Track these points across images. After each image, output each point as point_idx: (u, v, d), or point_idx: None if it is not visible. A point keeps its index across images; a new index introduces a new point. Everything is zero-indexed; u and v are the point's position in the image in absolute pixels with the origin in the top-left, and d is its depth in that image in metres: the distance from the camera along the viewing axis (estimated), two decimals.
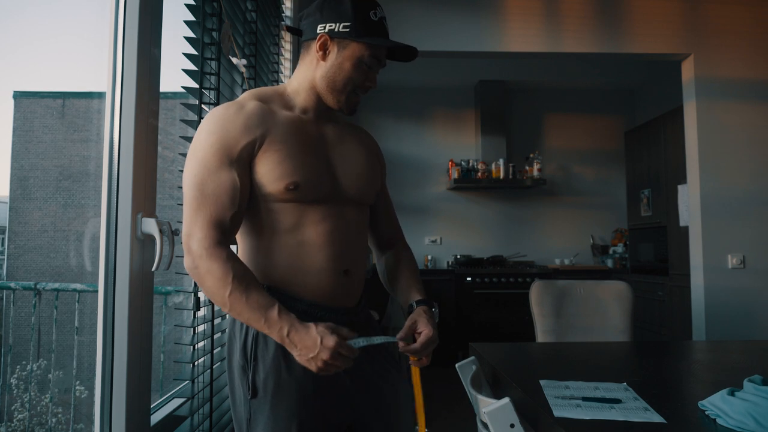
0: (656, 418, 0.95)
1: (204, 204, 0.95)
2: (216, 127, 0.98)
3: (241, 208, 1.00)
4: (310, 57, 1.08)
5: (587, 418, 0.96)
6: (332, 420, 1.02)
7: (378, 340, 1.01)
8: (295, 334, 0.92)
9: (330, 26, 1.04)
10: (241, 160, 0.99)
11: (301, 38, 1.11)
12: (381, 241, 1.28)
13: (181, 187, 1.21)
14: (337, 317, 1.04)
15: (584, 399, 1.06)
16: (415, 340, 1.04)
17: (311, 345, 0.91)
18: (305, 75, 1.09)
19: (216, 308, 1.38)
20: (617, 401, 1.04)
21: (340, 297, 1.07)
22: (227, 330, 1.09)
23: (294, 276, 1.03)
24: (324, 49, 1.05)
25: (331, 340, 0.91)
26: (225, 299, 0.93)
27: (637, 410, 0.99)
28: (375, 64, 1.07)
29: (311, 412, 0.98)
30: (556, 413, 0.98)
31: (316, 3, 1.08)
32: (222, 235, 0.96)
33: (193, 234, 0.94)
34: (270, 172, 1.00)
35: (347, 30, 1.03)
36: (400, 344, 1.03)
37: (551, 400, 1.07)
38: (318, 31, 1.05)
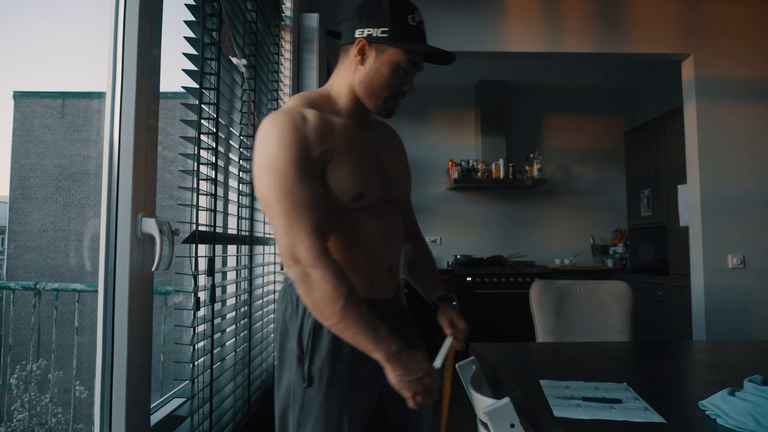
0: (656, 418, 0.95)
1: (300, 214, 0.97)
2: (291, 137, 0.99)
3: (327, 215, 1.03)
4: (349, 61, 1.11)
5: (587, 418, 0.96)
6: (369, 405, 1.10)
7: (443, 351, 1.13)
8: (402, 354, 0.98)
9: (368, 31, 1.07)
10: (316, 171, 1.02)
11: (339, 41, 1.13)
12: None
13: (181, 187, 1.21)
14: (380, 308, 1.10)
15: (584, 399, 1.06)
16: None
17: (416, 368, 0.97)
18: (345, 79, 1.12)
19: (216, 308, 1.38)
20: (617, 401, 1.04)
21: (384, 290, 1.14)
22: (279, 321, 1.13)
23: (347, 274, 1.06)
24: (362, 54, 1.08)
25: (433, 368, 1.00)
26: (336, 310, 0.95)
27: (637, 410, 0.99)
28: (412, 69, 1.10)
29: (358, 398, 1.06)
30: (556, 413, 0.98)
31: (355, 7, 1.10)
32: (325, 243, 0.99)
33: (298, 243, 0.96)
34: (339, 185, 1.04)
35: (385, 35, 1.06)
36: (448, 334, 1.19)
37: (551, 400, 1.07)
38: (356, 36, 1.08)
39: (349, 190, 1.04)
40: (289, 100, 1.12)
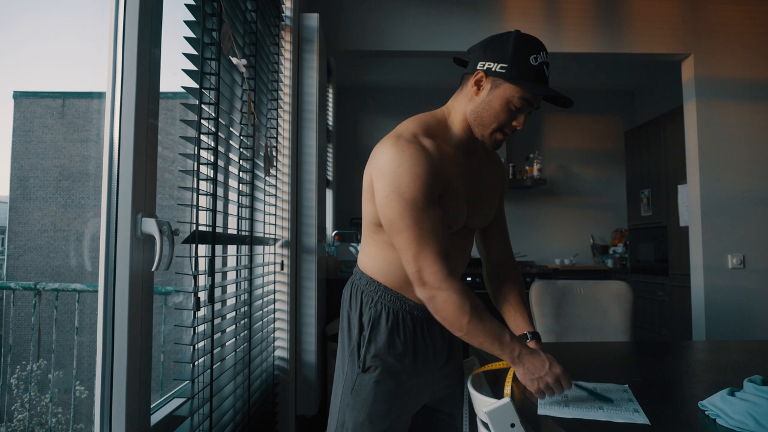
0: (641, 419, 0.93)
1: (427, 241, 1.06)
2: (421, 170, 1.07)
3: (447, 236, 1.12)
4: (468, 89, 1.17)
5: (569, 417, 0.95)
6: (418, 399, 1.23)
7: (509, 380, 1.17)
8: (526, 356, 1.06)
9: (489, 65, 1.12)
10: (437, 198, 1.10)
11: (464, 69, 1.19)
12: (492, 258, 1.40)
13: (181, 187, 1.21)
14: (430, 315, 1.17)
15: (577, 387, 1.09)
16: None
17: (539, 366, 1.04)
18: (461, 106, 1.19)
19: (216, 308, 1.38)
20: (608, 401, 1.04)
21: None
22: (343, 313, 1.25)
23: (408, 284, 1.17)
24: (478, 85, 1.14)
25: (558, 368, 1.05)
26: (463, 325, 1.05)
27: (624, 411, 0.97)
28: (525, 106, 1.13)
29: (405, 388, 1.18)
30: (540, 411, 0.98)
31: (484, 39, 1.15)
32: (449, 265, 1.07)
33: (425, 269, 1.06)
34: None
35: (502, 71, 1.10)
36: None
37: (540, 399, 1.07)
38: (477, 68, 1.13)
39: (443, 221, 1.12)
40: (407, 124, 1.16)
